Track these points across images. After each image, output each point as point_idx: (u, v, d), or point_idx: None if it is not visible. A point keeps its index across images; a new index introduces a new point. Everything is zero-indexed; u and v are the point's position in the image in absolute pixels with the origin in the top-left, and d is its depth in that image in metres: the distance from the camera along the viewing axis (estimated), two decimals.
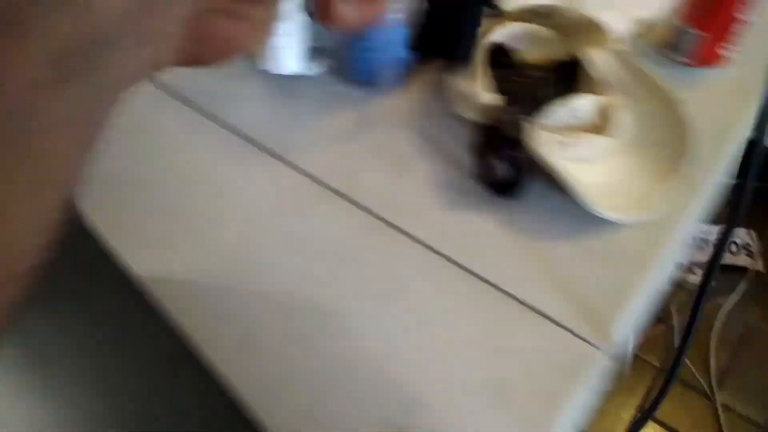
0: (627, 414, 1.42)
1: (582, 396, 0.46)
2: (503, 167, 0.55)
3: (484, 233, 0.55)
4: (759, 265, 1.65)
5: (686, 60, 0.69)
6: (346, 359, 0.47)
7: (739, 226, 1.26)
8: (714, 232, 1.44)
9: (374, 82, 0.67)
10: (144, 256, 0.53)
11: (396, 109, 0.66)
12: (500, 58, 0.63)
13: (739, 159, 0.62)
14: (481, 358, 0.47)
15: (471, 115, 0.58)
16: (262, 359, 0.47)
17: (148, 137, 0.64)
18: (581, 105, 0.57)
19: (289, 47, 0.64)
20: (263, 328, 0.49)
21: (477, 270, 0.52)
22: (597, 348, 0.48)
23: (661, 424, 1.41)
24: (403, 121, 0.65)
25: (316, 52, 0.67)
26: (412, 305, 0.50)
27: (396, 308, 0.50)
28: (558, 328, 0.49)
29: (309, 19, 0.61)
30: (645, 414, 0.67)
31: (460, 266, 0.53)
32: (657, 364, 1.49)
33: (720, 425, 1.40)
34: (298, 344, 0.48)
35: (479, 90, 0.58)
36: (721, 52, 0.68)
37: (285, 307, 0.50)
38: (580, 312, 0.49)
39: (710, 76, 0.69)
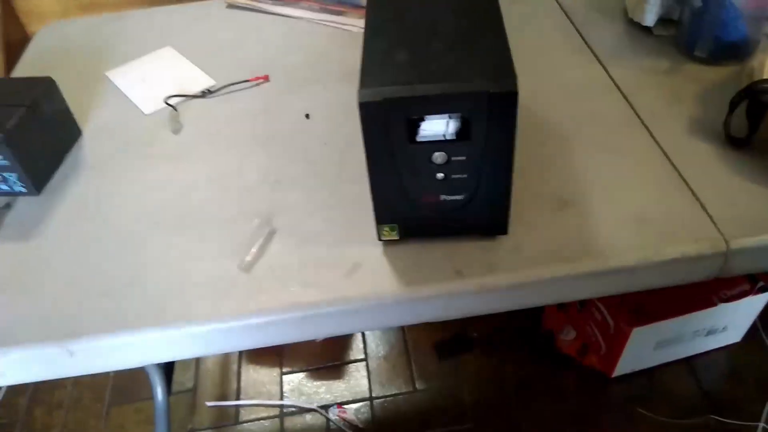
0: None
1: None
2: (743, 125, 0.74)
3: (703, 151, 0.75)
4: None
5: None
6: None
7: None
8: None
9: (691, 50, 0.89)
10: None
11: (700, 75, 0.87)
12: None
13: None
14: (643, 203, 0.70)
15: (745, 82, 0.77)
16: None
17: None
18: None
19: (654, 6, 0.91)
20: None
21: (678, 166, 0.74)
22: (724, 239, 0.66)
23: None
24: (696, 81, 0.86)
25: (668, 20, 0.92)
26: (617, 166, 0.75)
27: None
28: (706, 215, 0.68)
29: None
30: None
31: (669, 160, 0.75)
32: None
33: None
34: None
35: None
36: None
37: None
38: (734, 215, 0.67)
39: None
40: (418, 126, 0.57)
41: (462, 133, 0.57)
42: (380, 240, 0.67)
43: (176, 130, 0.87)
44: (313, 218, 0.72)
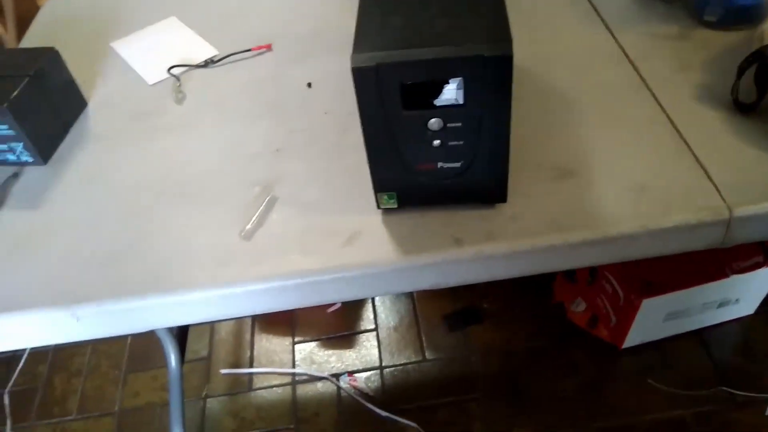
0: None
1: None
2: (751, 91, 0.72)
3: (710, 118, 0.74)
4: None
5: None
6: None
7: None
8: None
9: (701, 15, 0.86)
10: None
11: (710, 40, 0.85)
12: None
13: None
14: (644, 172, 0.69)
15: (756, 47, 0.75)
16: None
17: None
18: None
19: None
20: None
21: (684, 134, 0.72)
22: (727, 206, 0.65)
23: None
24: (705, 47, 0.84)
25: None
26: (621, 136, 0.73)
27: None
28: (710, 183, 0.67)
29: None
30: None
31: (675, 128, 0.73)
32: None
33: None
34: None
35: None
36: None
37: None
38: (738, 182, 0.66)
39: None
40: (413, 91, 0.56)
41: (456, 100, 0.57)
42: (379, 208, 0.68)
43: (179, 100, 0.87)
44: (313, 187, 0.73)
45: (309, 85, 0.87)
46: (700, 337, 1.46)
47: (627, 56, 0.84)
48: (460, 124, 0.58)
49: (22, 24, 1.85)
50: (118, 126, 0.85)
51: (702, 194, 0.66)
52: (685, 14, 0.90)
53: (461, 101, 0.56)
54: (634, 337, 1.40)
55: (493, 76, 0.54)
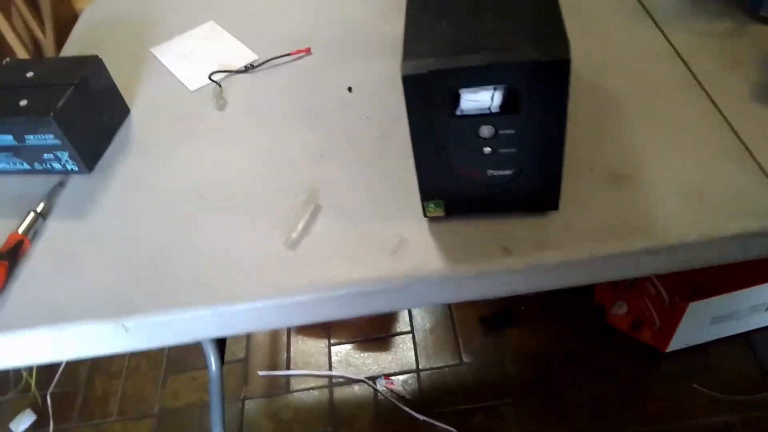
0: None
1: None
2: None
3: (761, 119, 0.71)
4: None
5: None
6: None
7: None
8: None
9: (757, 8, 0.83)
10: None
11: (762, 35, 0.82)
12: None
13: None
14: (700, 176, 0.66)
15: None
16: None
17: None
18: None
19: None
20: None
21: (741, 135, 0.69)
22: None
23: None
24: (757, 42, 0.80)
25: None
26: (674, 137, 0.71)
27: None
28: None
29: None
30: None
31: (732, 129, 0.70)
32: None
33: None
34: None
35: None
36: None
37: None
38: None
39: None
40: (464, 98, 0.55)
41: (510, 105, 0.55)
42: (425, 216, 0.66)
43: (221, 106, 0.87)
44: (357, 194, 0.72)
45: (350, 89, 0.86)
46: (747, 340, 1.41)
47: (678, 54, 0.81)
48: (512, 132, 0.57)
49: (61, 29, 1.88)
50: (161, 133, 0.85)
51: (763, 200, 0.63)
52: (737, 9, 0.86)
53: (515, 108, 0.55)
54: (678, 341, 1.36)
55: (549, 81, 0.52)
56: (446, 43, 0.54)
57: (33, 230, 0.72)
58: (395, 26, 0.97)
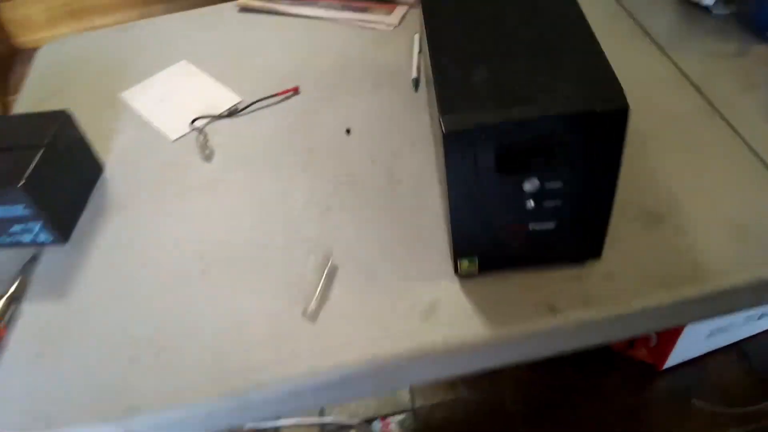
0: None
1: None
2: None
3: None
4: None
5: None
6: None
7: None
8: None
9: (765, 32, 0.81)
10: None
11: None
12: None
13: None
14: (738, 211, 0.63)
15: None
16: None
17: None
18: None
19: None
20: None
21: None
22: None
23: None
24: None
25: None
26: (703, 172, 0.67)
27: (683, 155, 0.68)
28: None
29: None
30: None
31: (758, 156, 0.68)
32: None
33: None
34: None
35: None
36: None
37: None
38: None
39: None
40: (510, 152, 0.50)
41: (559, 157, 0.50)
42: (457, 274, 0.61)
43: (207, 156, 0.79)
44: (374, 249, 0.65)
45: (348, 131, 0.80)
46: (739, 349, 1.41)
47: (689, 79, 0.79)
48: (560, 185, 0.52)
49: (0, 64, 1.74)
50: (142, 191, 0.76)
51: None
52: (739, 28, 0.85)
53: (564, 160, 0.50)
54: (674, 357, 1.35)
55: (604, 131, 0.48)
56: (487, 92, 0.49)
57: (7, 316, 0.63)
58: (388, 58, 0.93)
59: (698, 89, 0.77)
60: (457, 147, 0.48)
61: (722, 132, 0.72)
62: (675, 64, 0.81)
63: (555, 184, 0.52)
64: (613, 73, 0.49)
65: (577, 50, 0.52)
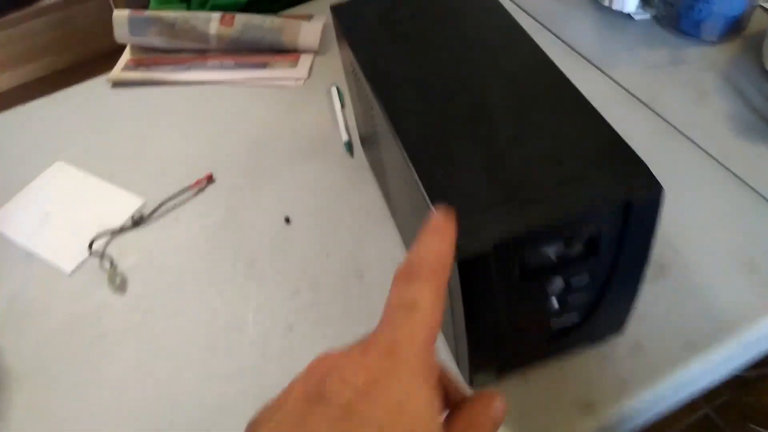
0: None
1: None
2: None
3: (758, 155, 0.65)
4: None
5: None
6: None
7: None
8: None
9: (698, 34, 0.78)
10: None
11: (709, 58, 0.77)
12: None
13: None
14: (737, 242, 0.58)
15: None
16: None
17: None
18: None
19: None
20: None
21: (750, 182, 0.63)
22: None
23: None
24: (710, 67, 0.76)
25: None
26: (688, 203, 0.63)
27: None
28: None
29: None
30: None
31: (735, 176, 0.64)
32: None
33: None
34: None
35: None
36: None
37: None
38: None
39: None
40: (531, 259, 0.41)
41: (585, 251, 0.42)
42: (472, 386, 0.51)
43: (119, 286, 0.64)
44: None
45: (287, 220, 0.68)
46: None
47: (636, 97, 0.74)
48: (586, 279, 0.43)
49: None
50: (43, 353, 0.60)
51: None
52: (666, 32, 0.81)
53: (591, 254, 0.42)
54: None
55: (636, 219, 0.40)
56: (487, 186, 0.40)
57: None
58: (308, 120, 0.79)
59: (649, 106, 0.73)
60: (472, 272, 0.39)
61: (690, 153, 0.67)
62: (616, 82, 0.76)
63: (581, 280, 0.43)
64: (623, 140, 0.42)
65: (567, 110, 0.44)
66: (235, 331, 0.59)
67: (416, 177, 0.41)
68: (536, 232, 0.38)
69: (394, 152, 0.47)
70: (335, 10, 0.58)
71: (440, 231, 0.30)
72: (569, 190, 0.39)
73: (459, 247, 0.37)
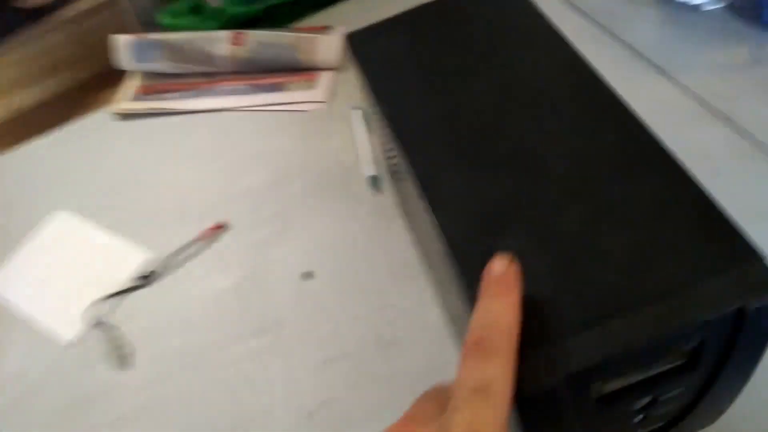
0: None
1: None
2: None
3: None
4: None
5: None
6: None
7: None
8: None
9: None
10: None
11: None
12: None
13: None
14: None
15: None
16: None
17: None
18: None
19: None
20: None
21: None
22: None
23: None
24: None
25: None
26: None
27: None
28: None
29: None
30: None
31: None
32: None
33: None
34: None
35: None
36: None
37: None
38: None
39: None
40: (612, 384, 0.31)
41: (681, 367, 0.32)
42: None
43: (123, 360, 0.57)
44: None
45: (309, 275, 0.59)
46: None
47: (709, 105, 0.63)
48: (680, 390, 0.34)
49: None
50: None
51: None
52: (741, 24, 0.69)
53: (688, 364, 0.32)
54: None
55: (751, 325, 0.30)
56: (557, 288, 0.30)
57: None
58: (330, 150, 0.70)
59: (730, 118, 0.61)
60: (535, 409, 0.30)
61: None
62: (688, 90, 0.65)
63: (673, 391, 0.34)
64: (722, 214, 0.31)
65: (646, 170, 0.34)
66: (260, 415, 0.51)
67: (458, 271, 0.32)
68: (622, 354, 0.29)
69: (426, 225, 0.38)
70: (351, 38, 0.48)
71: (503, 289, 0.29)
72: (663, 294, 0.29)
73: (520, 378, 0.28)
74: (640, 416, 0.35)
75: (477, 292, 0.30)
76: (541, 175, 0.35)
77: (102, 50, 0.82)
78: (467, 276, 0.32)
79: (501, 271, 0.29)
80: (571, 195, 0.34)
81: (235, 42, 0.79)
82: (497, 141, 0.38)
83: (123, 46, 0.81)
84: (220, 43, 0.79)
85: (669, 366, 0.32)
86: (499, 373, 0.26)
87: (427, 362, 0.51)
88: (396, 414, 0.49)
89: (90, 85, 0.89)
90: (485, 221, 0.34)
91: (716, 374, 0.33)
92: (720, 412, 0.40)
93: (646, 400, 0.34)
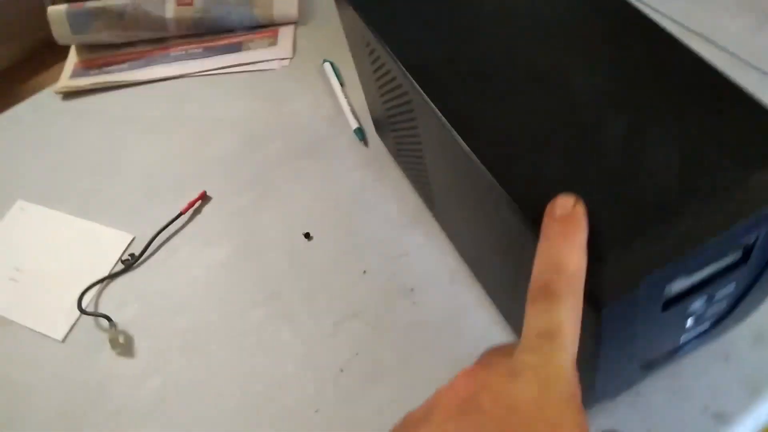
0: None
1: None
2: None
3: None
4: None
5: None
6: None
7: None
8: None
9: None
10: None
11: None
12: None
13: None
14: None
15: None
16: None
17: None
18: None
19: None
20: None
21: None
22: None
23: None
24: None
25: None
26: None
27: None
28: None
29: None
30: None
31: None
32: None
33: None
34: None
35: None
36: None
37: None
38: None
39: None
40: (678, 285, 0.32)
41: (740, 264, 0.33)
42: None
43: (122, 348, 0.53)
44: None
45: (307, 236, 0.57)
46: None
47: None
48: (731, 289, 0.35)
49: None
50: None
51: None
52: None
53: (742, 262, 0.33)
54: None
55: None
56: (616, 199, 0.30)
57: None
58: (304, 107, 0.67)
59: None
60: (615, 317, 0.29)
61: None
62: None
63: (725, 291, 0.35)
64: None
65: (677, 73, 0.34)
66: (290, 378, 0.49)
67: (508, 198, 0.31)
68: (692, 255, 0.29)
69: (453, 160, 0.37)
70: None
71: (569, 230, 0.27)
72: (727, 189, 0.29)
73: (600, 286, 0.28)
74: (692, 320, 0.36)
75: (533, 215, 0.29)
76: (570, 93, 0.34)
77: (36, 23, 0.75)
78: (519, 202, 0.31)
79: (566, 212, 0.28)
80: (607, 108, 0.33)
81: (181, 2, 0.74)
82: (518, 64, 0.36)
83: (57, 17, 0.74)
84: (166, 4, 0.73)
85: (728, 262, 0.32)
86: (564, 317, 0.26)
87: (449, 306, 0.50)
88: (427, 358, 0.48)
89: (25, 65, 0.81)
90: (521, 144, 0.33)
91: (764, 267, 0.34)
92: (752, 311, 0.42)
93: (701, 302, 0.34)
